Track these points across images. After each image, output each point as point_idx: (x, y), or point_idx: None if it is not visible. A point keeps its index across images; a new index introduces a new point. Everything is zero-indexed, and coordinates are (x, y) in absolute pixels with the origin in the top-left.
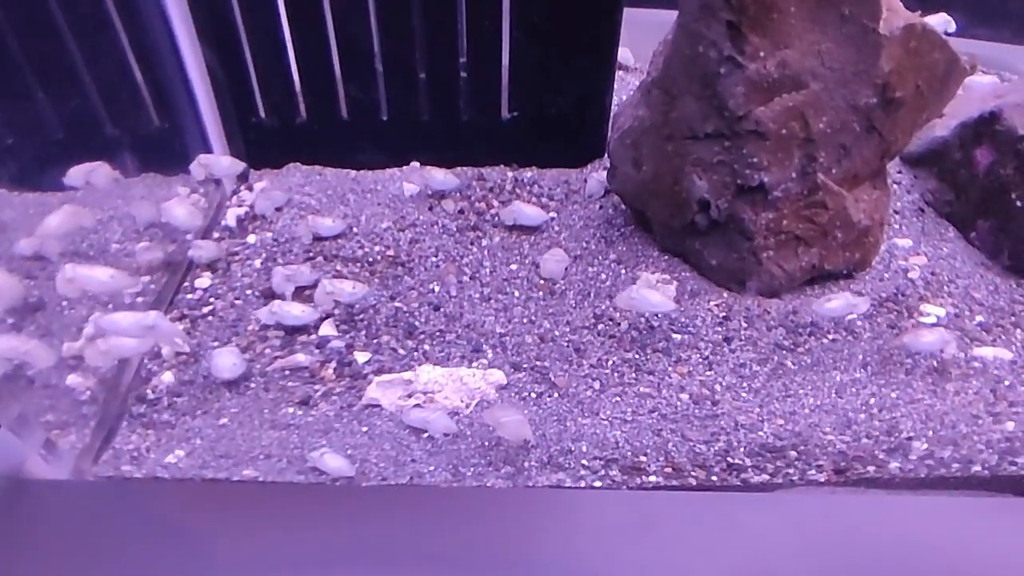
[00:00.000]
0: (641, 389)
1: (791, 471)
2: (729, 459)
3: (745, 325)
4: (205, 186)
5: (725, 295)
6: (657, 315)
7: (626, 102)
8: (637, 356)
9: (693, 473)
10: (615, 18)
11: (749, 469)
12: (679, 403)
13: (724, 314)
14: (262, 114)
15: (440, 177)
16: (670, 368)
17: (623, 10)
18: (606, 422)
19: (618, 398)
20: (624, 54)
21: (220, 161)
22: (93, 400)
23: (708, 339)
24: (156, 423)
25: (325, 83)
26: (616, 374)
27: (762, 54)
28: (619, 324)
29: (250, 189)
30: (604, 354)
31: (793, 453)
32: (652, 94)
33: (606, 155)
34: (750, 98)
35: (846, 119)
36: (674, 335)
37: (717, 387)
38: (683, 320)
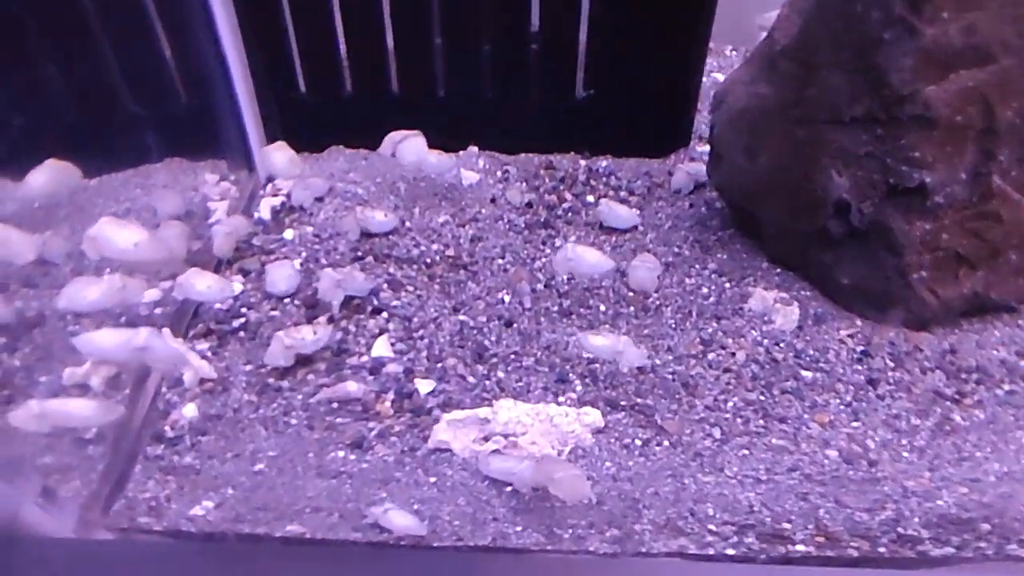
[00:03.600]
0: (774, 441)
1: (983, 544)
2: (900, 530)
3: (891, 364)
4: (236, 172)
5: (859, 323)
6: (780, 345)
7: (732, 78)
8: (762, 397)
9: (853, 544)
10: None
11: (927, 541)
12: (826, 462)
13: (862, 348)
14: (302, 88)
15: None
16: (806, 415)
17: None
18: (734, 480)
19: (746, 451)
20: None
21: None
22: (100, 438)
23: (847, 380)
24: (177, 467)
25: (375, 52)
26: (739, 420)
27: (945, 15)
28: (734, 354)
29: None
30: (720, 393)
31: (985, 526)
32: (779, 66)
33: (691, 143)
34: (920, 73)
35: None
36: (803, 372)
37: (870, 443)
38: (811, 353)
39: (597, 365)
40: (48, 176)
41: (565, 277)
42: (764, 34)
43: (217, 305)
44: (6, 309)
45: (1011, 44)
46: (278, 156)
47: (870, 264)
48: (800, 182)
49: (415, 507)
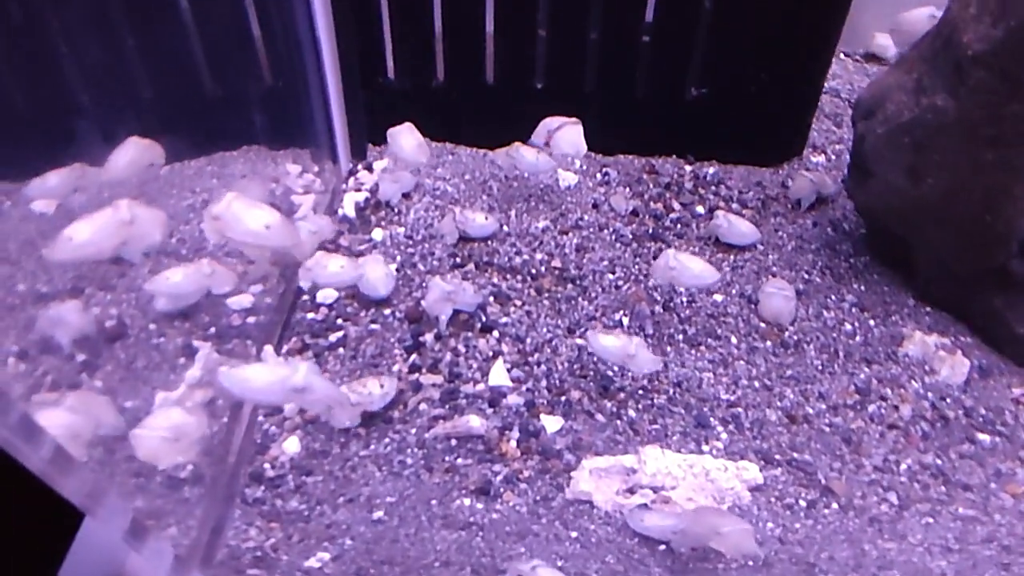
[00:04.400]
0: (960, 510)
1: None
2: None
3: None
4: (319, 163)
5: None
6: (947, 400)
7: (885, 83)
8: (939, 461)
9: None
10: None
11: None
12: None
13: None
14: (391, 74)
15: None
16: (993, 484)
17: None
18: (921, 548)
19: (930, 519)
20: (882, 41)
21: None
22: (196, 478)
23: None
24: (282, 513)
25: (472, 37)
26: (917, 484)
27: None
28: (897, 408)
29: (369, 169)
30: (890, 452)
31: None
32: (971, 76)
33: (804, 153)
34: None
35: None
36: (979, 435)
37: None
38: (984, 413)
39: (740, 410)
40: (132, 155)
41: (683, 299)
42: (887, 37)
43: (311, 315)
44: (82, 318)
45: None
46: (407, 139)
47: None
48: (980, 212)
49: (559, 563)
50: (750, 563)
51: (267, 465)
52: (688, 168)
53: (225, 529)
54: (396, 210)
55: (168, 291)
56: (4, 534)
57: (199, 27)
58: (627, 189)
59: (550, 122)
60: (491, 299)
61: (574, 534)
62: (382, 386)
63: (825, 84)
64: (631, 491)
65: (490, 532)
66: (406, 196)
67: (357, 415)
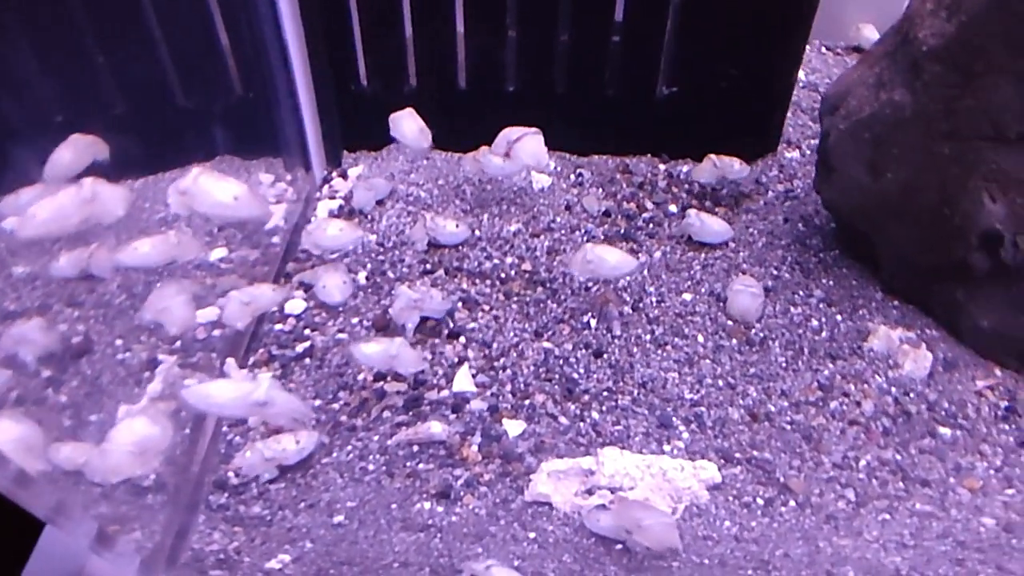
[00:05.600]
0: (917, 505)
1: None
2: None
3: None
4: (292, 171)
5: (998, 372)
6: (910, 394)
7: (849, 79)
8: (899, 456)
9: None
10: None
11: None
12: (983, 529)
13: (1006, 403)
14: (363, 81)
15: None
16: (951, 479)
17: None
18: (876, 545)
19: (886, 515)
20: (868, 33)
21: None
22: (159, 486)
23: (993, 441)
24: (245, 518)
25: (442, 43)
26: (875, 481)
27: None
28: (859, 403)
29: (344, 176)
30: (850, 449)
31: None
32: (925, 71)
33: (779, 149)
34: None
35: None
36: (940, 428)
37: None
38: (947, 407)
39: (703, 409)
40: (74, 152)
41: (653, 299)
42: (872, 29)
43: (278, 326)
44: (48, 336)
45: None
46: (409, 124)
47: (1019, 306)
48: (938, 206)
49: (515, 563)
50: (705, 561)
51: (231, 473)
52: (662, 167)
53: (189, 533)
54: (369, 217)
55: (135, 264)
56: None
57: (167, 40)
58: (600, 190)
59: (510, 133)
60: (459, 304)
61: (532, 535)
62: (298, 442)
63: (804, 78)
64: (589, 492)
65: (448, 534)
66: (380, 203)
67: (275, 469)
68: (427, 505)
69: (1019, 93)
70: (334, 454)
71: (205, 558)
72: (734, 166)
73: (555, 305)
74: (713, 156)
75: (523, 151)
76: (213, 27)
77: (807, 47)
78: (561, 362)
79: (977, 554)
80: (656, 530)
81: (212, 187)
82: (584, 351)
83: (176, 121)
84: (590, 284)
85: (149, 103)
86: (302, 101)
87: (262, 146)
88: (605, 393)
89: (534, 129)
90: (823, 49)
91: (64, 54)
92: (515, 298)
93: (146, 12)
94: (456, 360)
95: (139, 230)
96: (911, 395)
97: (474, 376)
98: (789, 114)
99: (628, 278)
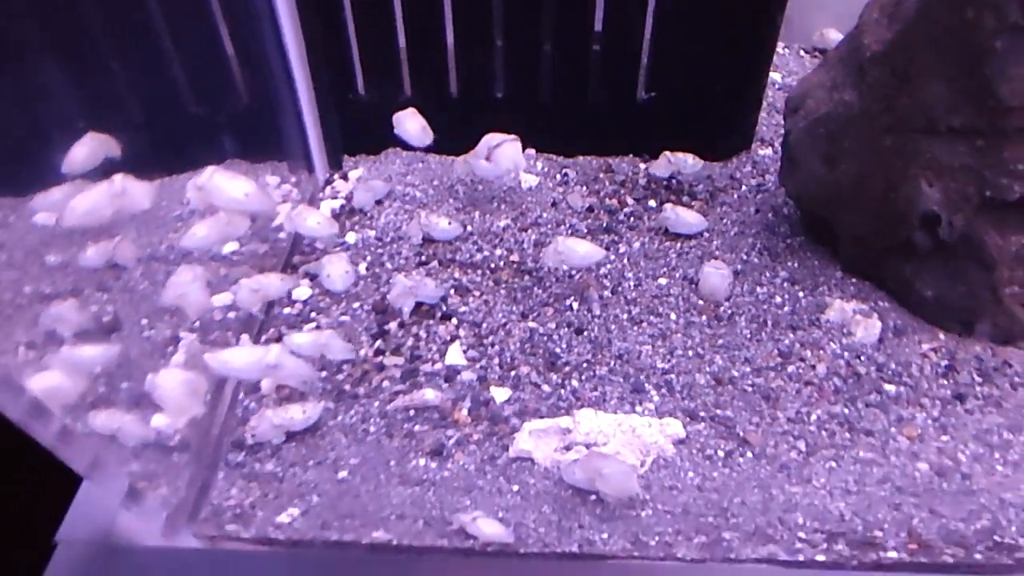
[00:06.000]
0: (861, 454)
1: None
2: (997, 538)
3: (979, 379)
4: (296, 174)
5: (942, 336)
6: (861, 358)
7: (810, 82)
8: (847, 411)
9: (948, 551)
10: None
11: None
12: (918, 474)
13: (946, 362)
14: (361, 90)
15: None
16: (893, 429)
17: None
18: (823, 491)
19: (833, 463)
20: (832, 36)
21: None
22: (184, 446)
23: (932, 395)
24: (259, 475)
25: (435, 53)
26: (824, 432)
27: None
28: (814, 367)
29: (345, 178)
30: (803, 406)
31: None
32: (869, 74)
33: (752, 147)
34: None
35: None
36: (886, 385)
37: (962, 457)
38: (893, 367)
39: (672, 376)
40: (89, 149)
41: (631, 283)
42: (823, 36)
43: (287, 310)
44: (81, 314)
45: None
46: (411, 123)
47: (956, 278)
48: (884, 193)
49: (500, 515)
50: (670, 509)
51: (248, 434)
52: (643, 166)
53: (210, 489)
54: (369, 215)
55: (194, 247)
56: (6, 497)
57: (180, 54)
58: (584, 188)
59: (490, 139)
60: (452, 291)
61: (515, 488)
62: (304, 412)
63: (780, 80)
64: (567, 448)
65: (441, 488)
66: (378, 202)
67: (283, 433)
68: (422, 462)
69: (945, 92)
70: (339, 418)
71: (223, 513)
72: (687, 161)
73: (540, 291)
74: (668, 153)
75: (502, 156)
76: (220, 41)
77: (787, 51)
78: (545, 338)
79: (912, 498)
80: (615, 478)
81: (226, 184)
82: (566, 329)
83: (188, 127)
84: (573, 272)
85: (163, 111)
86: (304, 108)
87: (268, 150)
88: (584, 364)
89: (512, 136)
90: (801, 52)
91: (87, 67)
92: (504, 285)
93: (160, 28)
94: (448, 338)
95: (157, 225)
96: (861, 358)
97: (465, 352)
98: (764, 114)
99: (608, 266)
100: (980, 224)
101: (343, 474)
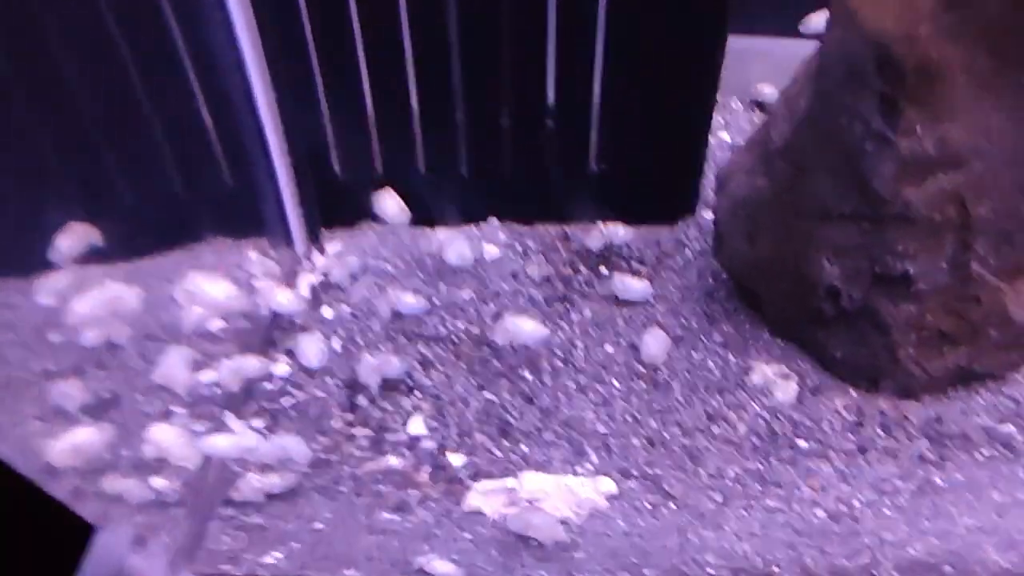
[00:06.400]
0: (769, 503)
1: None
2: (874, 572)
3: (881, 433)
4: (277, 250)
5: (853, 394)
6: (779, 417)
7: (733, 165)
8: (761, 466)
9: None
10: (715, 56)
11: None
12: (815, 519)
13: (855, 419)
14: (336, 170)
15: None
16: (800, 480)
17: (724, 50)
18: (732, 535)
19: (744, 512)
20: (768, 91)
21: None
22: (181, 502)
23: (839, 448)
24: (247, 525)
25: (401, 135)
26: (739, 486)
27: (919, 130)
28: (736, 427)
29: (322, 251)
30: (723, 463)
31: (949, 568)
32: (775, 164)
33: (697, 210)
34: (900, 179)
35: (1013, 204)
36: (799, 442)
37: (856, 503)
38: (807, 424)
39: (611, 439)
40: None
41: (581, 352)
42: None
43: (268, 385)
44: (83, 392)
45: (983, 151)
46: (389, 203)
47: (860, 341)
48: (794, 268)
49: (454, 557)
50: (600, 552)
51: (235, 494)
52: (597, 232)
53: (205, 538)
54: (344, 290)
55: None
56: (25, 547)
57: (167, 139)
58: (543, 257)
59: (441, 235)
60: (417, 365)
61: (468, 536)
62: (282, 477)
63: (730, 140)
64: (513, 504)
65: (403, 536)
66: (354, 277)
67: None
68: (387, 515)
69: (833, 183)
70: (315, 480)
71: (217, 556)
72: (619, 232)
73: (497, 362)
74: (600, 223)
75: (452, 253)
76: (204, 126)
77: (738, 105)
78: (500, 408)
79: (807, 539)
80: (543, 528)
81: (206, 286)
82: (519, 398)
83: (173, 208)
84: (528, 343)
85: (150, 194)
86: (283, 187)
87: (249, 227)
88: (533, 431)
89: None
90: (753, 108)
91: (77, 152)
92: (464, 358)
93: (150, 118)
94: (411, 410)
95: (149, 305)
96: (779, 417)
97: (426, 422)
98: (712, 175)
99: (561, 335)
100: (874, 295)
101: (319, 525)
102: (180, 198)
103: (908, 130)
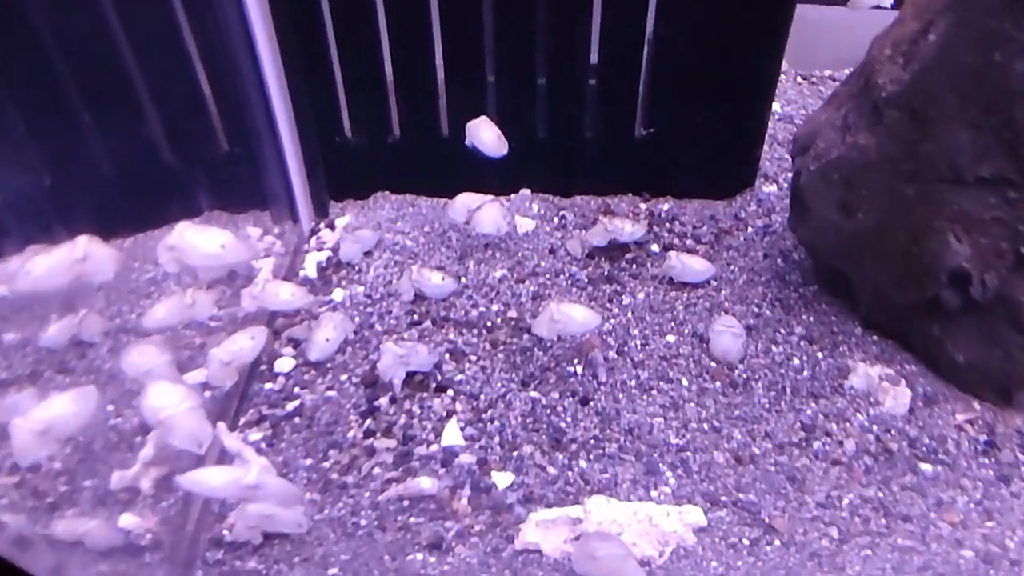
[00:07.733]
0: (899, 541)
1: None
2: None
3: (1023, 458)
4: (280, 224)
5: (977, 407)
6: (891, 432)
7: (817, 120)
8: (881, 494)
9: None
10: (786, 12)
11: None
12: (962, 562)
13: (985, 437)
14: (348, 133)
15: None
16: (932, 514)
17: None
18: None
19: (868, 551)
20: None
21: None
22: (155, 545)
23: (973, 475)
24: (240, 573)
25: (423, 92)
26: (858, 518)
27: None
28: (841, 443)
29: (331, 227)
30: (833, 488)
31: None
32: (885, 116)
33: (756, 184)
34: None
35: None
36: (921, 465)
37: (1009, 543)
38: (927, 442)
39: (689, 453)
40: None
41: (638, 342)
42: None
43: (268, 385)
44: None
45: None
46: (486, 132)
47: (992, 341)
48: (907, 246)
49: None
50: None
51: (225, 531)
52: (643, 206)
53: None
54: (357, 268)
55: (153, 328)
56: None
57: (154, 100)
58: (583, 232)
59: (469, 200)
60: (447, 356)
61: None
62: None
63: (779, 110)
64: (577, 539)
65: None
66: (367, 254)
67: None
68: (420, 556)
69: (972, 139)
70: (326, 511)
71: None
72: (625, 228)
73: (541, 352)
74: (604, 219)
75: (484, 219)
76: (198, 85)
77: (783, 76)
78: (548, 411)
79: None
80: (608, 561)
81: (198, 239)
82: (571, 399)
83: (163, 179)
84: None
85: (136, 161)
86: (288, 154)
87: (249, 200)
88: (592, 441)
89: (490, 197)
90: (799, 79)
91: (51, 117)
92: (501, 347)
93: (132, 71)
94: (444, 414)
95: (129, 291)
96: (892, 432)
97: (462, 429)
98: (766, 147)
99: (613, 321)
100: (1016, 283)
101: (333, 571)
102: (168, 166)
103: None
